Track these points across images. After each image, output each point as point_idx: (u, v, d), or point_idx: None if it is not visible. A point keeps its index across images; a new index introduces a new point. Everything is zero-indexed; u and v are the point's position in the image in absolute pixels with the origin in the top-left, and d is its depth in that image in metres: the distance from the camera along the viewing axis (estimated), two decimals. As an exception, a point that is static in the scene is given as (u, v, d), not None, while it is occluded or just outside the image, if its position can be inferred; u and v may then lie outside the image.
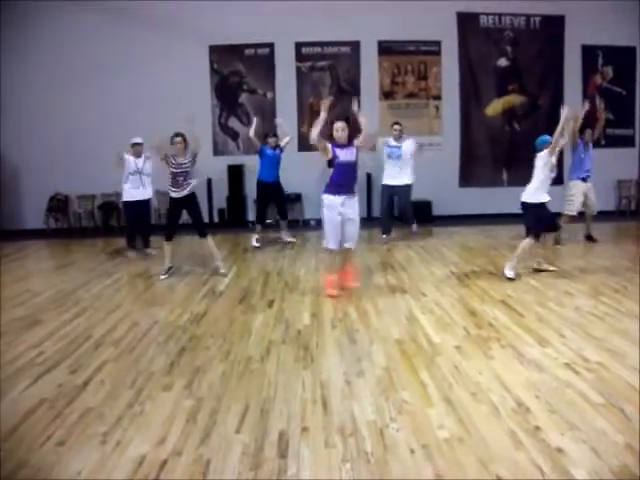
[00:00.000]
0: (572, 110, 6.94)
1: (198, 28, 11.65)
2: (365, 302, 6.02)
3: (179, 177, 7.39)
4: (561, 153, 8.50)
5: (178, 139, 7.42)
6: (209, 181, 11.69)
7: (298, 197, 11.86)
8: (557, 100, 12.37)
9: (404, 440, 3.17)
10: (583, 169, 8.66)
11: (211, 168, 11.70)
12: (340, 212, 6.26)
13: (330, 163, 6.48)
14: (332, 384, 3.96)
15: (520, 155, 12.15)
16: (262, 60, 12.04)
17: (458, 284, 6.79)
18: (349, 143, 6.34)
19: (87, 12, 11.41)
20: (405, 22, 11.77)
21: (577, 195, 8.66)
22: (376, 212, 11.19)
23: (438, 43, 12.21)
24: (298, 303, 6.08)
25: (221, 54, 12.00)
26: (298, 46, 12.02)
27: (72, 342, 5.01)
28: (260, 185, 9.56)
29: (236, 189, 11.93)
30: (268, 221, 10.47)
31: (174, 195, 7.44)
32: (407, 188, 9.42)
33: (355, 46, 12.09)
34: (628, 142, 12.60)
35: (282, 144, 9.53)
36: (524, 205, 6.88)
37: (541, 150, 6.83)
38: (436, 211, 11.88)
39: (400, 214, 9.92)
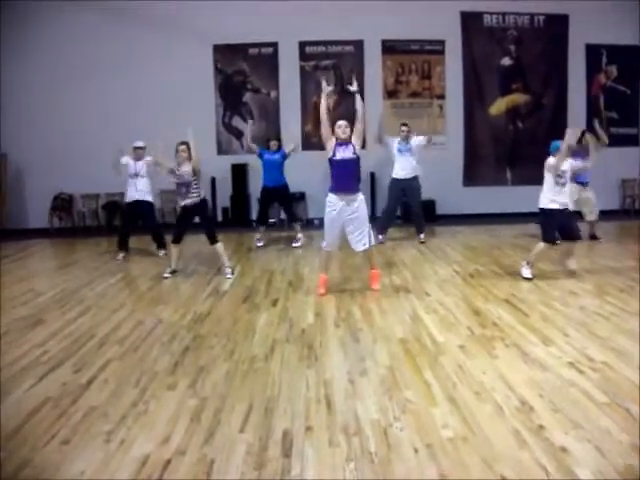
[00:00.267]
0: (574, 131, 6.84)
1: (202, 28, 11.66)
2: (369, 301, 6.02)
3: (182, 187, 7.37)
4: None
5: (182, 147, 7.37)
6: (213, 180, 11.70)
7: (302, 196, 11.86)
8: (561, 99, 12.39)
9: (408, 439, 3.16)
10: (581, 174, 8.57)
11: (215, 167, 11.72)
12: (342, 211, 6.23)
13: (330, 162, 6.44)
14: (336, 383, 3.96)
15: (524, 154, 12.17)
16: (266, 59, 12.04)
17: (462, 283, 6.78)
18: (349, 140, 6.36)
19: (88, 12, 11.43)
20: (409, 21, 11.76)
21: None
22: (379, 211, 11.17)
23: (442, 42, 12.20)
24: (302, 302, 6.08)
25: (225, 53, 12.00)
26: (302, 45, 12.02)
27: (76, 341, 5.02)
28: (263, 190, 9.55)
29: (240, 188, 11.94)
30: (272, 220, 10.47)
31: (182, 203, 7.45)
32: (417, 183, 9.34)
33: (359, 45, 12.08)
34: (632, 141, 12.56)
35: (286, 150, 9.41)
36: (539, 210, 6.84)
37: (554, 155, 6.72)
38: (440, 210, 11.87)
39: (412, 216, 9.77)
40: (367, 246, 6.36)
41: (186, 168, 7.33)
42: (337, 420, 3.41)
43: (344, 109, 12.18)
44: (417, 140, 9.29)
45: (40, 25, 11.46)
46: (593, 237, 9.15)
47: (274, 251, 9.15)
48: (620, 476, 2.76)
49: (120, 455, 3.09)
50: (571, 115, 12.37)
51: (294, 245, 9.33)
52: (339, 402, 3.65)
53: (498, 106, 12.40)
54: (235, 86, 12.13)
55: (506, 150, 12.41)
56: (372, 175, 11.66)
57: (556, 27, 12.22)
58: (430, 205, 11.57)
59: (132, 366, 4.39)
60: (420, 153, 9.34)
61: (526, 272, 6.78)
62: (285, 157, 9.38)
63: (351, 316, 5.54)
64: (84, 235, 11.50)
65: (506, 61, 12.34)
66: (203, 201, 7.49)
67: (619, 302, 5.73)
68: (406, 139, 9.25)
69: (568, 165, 6.66)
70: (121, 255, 8.73)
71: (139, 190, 8.78)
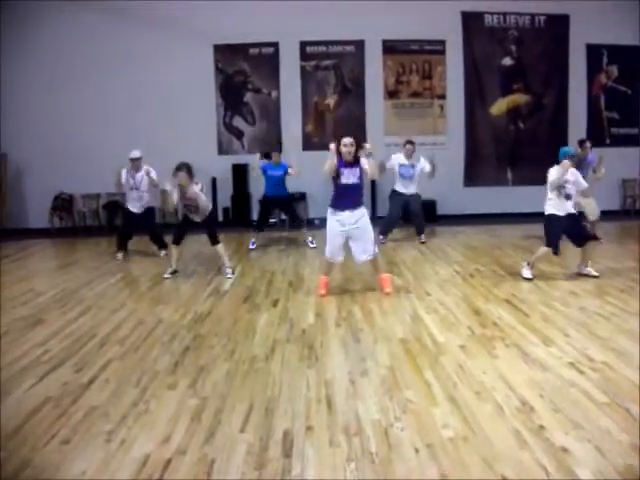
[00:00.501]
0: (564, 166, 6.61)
1: (202, 27, 11.67)
2: (369, 301, 6.02)
3: (191, 207, 7.34)
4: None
5: (182, 174, 7.09)
6: (213, 180, 11.70)
7: (302, 196, 11.86)
8: (562, 99, 12.40)
9: (408, 439, 3.16)
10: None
11: (216, 167, 11.74)
12: (344, 221, 6.13)
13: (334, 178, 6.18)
14: (336, 383, 3.96)
15: (525, 154, 12.19)
16: (267, 59, 12.05)
17: (462, 283, 6.78)
18: (355, 161, 6.06)
19: (88, 12, 11.44)
20: (410, 21, 11.77)
21: None
22: (380, 212, 11.17)
23: (443, 42, 12.20)
24: (302, 302, 6.08)
25: (225, 53, 12.01)
26: (303, 45, 12.03)
27: (77, 341, 5.02)
28: (264, 199, 9.46)
29: (240, 188, 11.95)
30: (272, 220, 10.46)
31: (187, 216, 7.43)
32: (418, 197, 9.41)
33: (360, 45, 12.09)
34: (633, 141, 12.57)
35: (289, 170, 9.21)
36: (545, 217, 6.79)
37: (561, 160, 6.57)
38: (440, 210, 11.87)
39: (412, 218, 9.75)
40: (371, 256, 6.28)
41: (193, 190, 7.21)
42: (338, 420, 3.41)
43: (344, 109, 12.25)
44: (421, 165, 9.25)
45: (40, 25, 11.46)
46: (594, 237, 9.13)
47: (274, 252, 9.16)
48: (620, 476, 2.76)
49: (121, 455, 3.09)
50: (572, 115, 12.40)
51: (311, 246, 9.27)
52: (340, 402, 3.65)
53: (499, 106, 12.41)
54: (236, 86, 12.14)
55: (507, 150, 12.42)
56: (373, 181, 11.62)
57: (557, 27, 12.23)
58: (431, 205, 11.57)
59: (133, 366, 4.39)
60: (422, 177, 9.33)
61: (526, 273, 6.78)
62: (287, 172, 9.23)
63: (352, 316, 5.54)
64: (85, 235, 11.50)
65: (507, 61, 12.34)
66: (210, 213, 7.51)
67: (619, 302, 5.73)
68: (410, 157, 9.24)
69: (571, 176, 6.60)
70: (120, 255, 8.69)
71: (140, 201, 8.67)
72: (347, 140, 6.00)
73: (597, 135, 12.33)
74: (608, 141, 12.44)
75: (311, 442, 3.18)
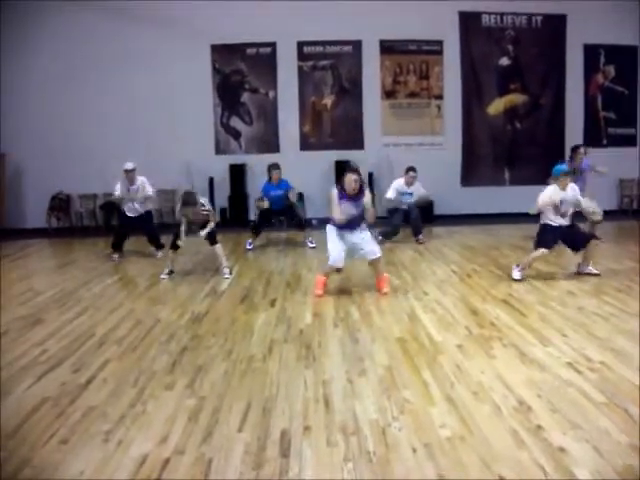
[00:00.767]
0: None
1: (199, 27, 11.67)
2: (367, 301, 6.02)
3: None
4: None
5: (202, 209, 7.26)
6: (211, 180, 11.70)
7: (300, 196, 11.85)
8: (559, 99, 12.42)
9: (406, 439, 3.17)
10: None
11: (213, 167, 11.75)
12: (344, 237, 6.27)
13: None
14: (334, 383, 3.96)
15: (522, 154, 12.21)
16: (264, 59, 12.05)
17: (460, 283, 6.79)
18: (359, 193, 6.17)
19: (87, 12, 11.44)
20: (407, 21, 11.78)
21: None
22: (380, 211, 11.16)
23: (440, 42, 12.22)
24: (300, 302, 6.08)
25: (223, 53, 12.01)
26: (300, 45, 12.03)
27: (75, 341, 5.01)
28: (266, 210, 9.30)
29: (238, 188, 11.95)
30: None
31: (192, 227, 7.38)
32: (415, 205, 9.50)
33: (357, 45, 12.10)
34: (630, 141, 12.60)
35: (290, 195, 9.12)
36: (540, 225, 6.81)
37: (555, 178, 6.62)
38: (438, 210, 11.88)
39: (410, 223, 9.74)
40: (379, 254, 6.35)
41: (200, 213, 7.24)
42: (335, 420, 3.41)
43: (342, 109, 12.26)
44: (419, 190, 9.43)
45: (40, 25, 11.45)
46: (593, 237, 9.13)
47: (272, 252, 9.15)
48: (619, 476, 2.76)
49: (119, 455, 3.08)
50: (569, 115, 12.42)
51: (311, 246, 9.22)
52: (337, 402, 3.65)
53: (496, 106, 12.42)
54: (233, 86, 12.14)
55: (504, 150, 12.43)
56: (370, 175, 11.65)
57: (554, 27, 12.25)
58: (428, 205, 11.56)
59: (130, 366, 4.38)
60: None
61: (516, 274, 6.76)
62: (287, 193, 9.12)
63: (349, 316, 5.54)
64: (82, 235, 11.49)
65: (504, 61, 12.36)
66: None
67: (617, 302, 5.74)
68: (411, 184, 9.31)
69: (571, 191, 6.63)
70: (116, 255, 8.68)
71: (137, 210, 8.67)
72: (352, 177, 6.10)
73: (594, 135, 12.38)
74: (605, 141, 12.47)
75: (309, 442, 3.18)
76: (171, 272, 7.44)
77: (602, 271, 6.97)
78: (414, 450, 3.05)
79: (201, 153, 11.86)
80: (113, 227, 11.56)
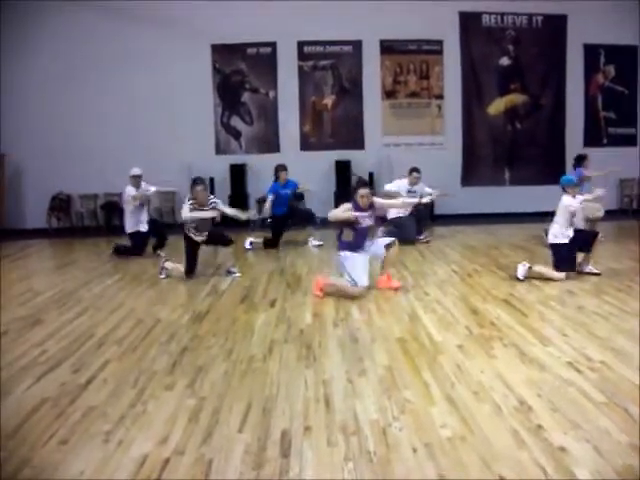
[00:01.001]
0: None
1: (200, 27, 11.68)
2: (367, 301, 6.02)
3: (204, 226, 7.32)
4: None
5: (199, 187, 7.21)
6: (211, 180, 11.68)
7: (301, 196, 11.84)
8: (559, 99, 12.42)
9: (406, 439, 3.16)
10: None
11: (213, 167, 11.74)
12: (364, 257, 6.38)
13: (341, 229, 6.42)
14: (334, 383, 3.95)
15: (522, 154, 12.21)
16: (264, 59, 12.05)
17: (460, 283, 6.79)
18: (370, 206, 6.36)
19: (87, 12, 11.45)
20: (407, 21, 11.79)
21: None
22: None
23: (440, 42, 12.22)
24: (300, 302, 6.08)
25: (223, 53, 12.02)
26: (300, 45, 12.04)
27: (75, 341, 5.01)
28: (273, 219, 9.33)
29: (238, 188, 11.94)
30: (269, 220, 10.41)
31: (196, 239, 7.29)
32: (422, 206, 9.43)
33: (357, 45, 12.10)
34: (630, 141, 12.61)
35: (300, 187, 9.45)
36: (551, 245, 6.80)
37: (565, 190, 6.71)
38: (438, 210, 11.87)
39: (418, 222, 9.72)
40: (394, 238, 6.59)
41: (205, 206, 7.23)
42: (336, 420, 3.41)
43: (342, 109, 12.26)
44: (425, 190, 9.36)
45: (40, 25, 11.45)
46: (597, 234, 9.12)
47: (272, 252, 9.14)
48: (619, 476, 2.76)
49: (119, 455, 3.08)
50: (569, 115, 12.42)
51: (316, 244, 9.27)
52: (338, 402, 3.65)
53: (496, 106, 12.43)
54: (233, 86, 12.14)
55: (504, 150, 12.43)
56: (371, 175, 11.65)
57: (554, 27, 12.26)
58: (428, 205, 11.55)
59: (130, 366, 4.38)
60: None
61: (521, 273, 6.72)
62: (296, 191, 9.34)
63: (349, 316, 5.53)
64: (82, 235, 11.49)
65: (504, 61, 12.37)
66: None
67: (617, 302, 5.73)
68: (415, 184, 9.30)
69: (579, 202, 6.68)
70: (114, 256, 8.76)
71: (141, 221, 8.72)
72: (365, 192, 6.32)
73: (594, 135, 12.39)
74: (605, 141, 12.47)
75: (309, 442, 3.18)
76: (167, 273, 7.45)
77: (602, 270, 6.96)
78: (414, 450, 3.05)
79: (201, 153, 11.86)
80: (115, 227, 11.54)
